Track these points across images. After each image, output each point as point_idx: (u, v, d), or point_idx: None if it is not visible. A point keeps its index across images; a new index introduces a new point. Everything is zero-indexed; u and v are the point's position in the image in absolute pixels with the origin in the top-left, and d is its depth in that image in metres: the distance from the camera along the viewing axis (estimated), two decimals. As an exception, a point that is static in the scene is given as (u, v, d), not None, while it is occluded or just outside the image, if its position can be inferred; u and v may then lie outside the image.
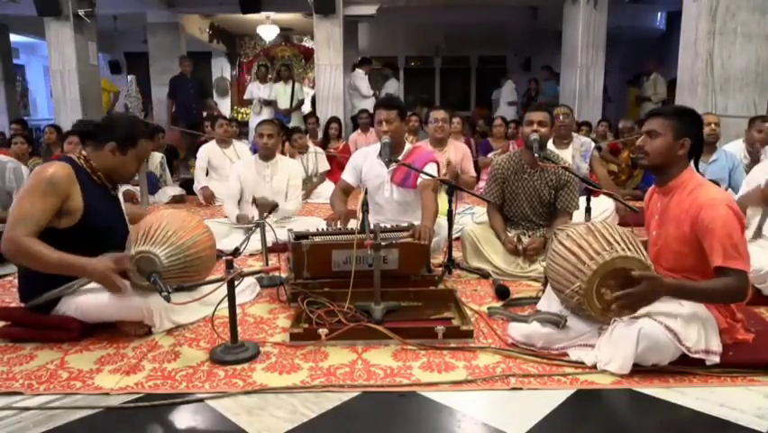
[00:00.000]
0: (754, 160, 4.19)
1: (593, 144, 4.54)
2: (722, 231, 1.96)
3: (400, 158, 3.33)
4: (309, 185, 5.81)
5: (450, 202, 3.08)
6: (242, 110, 13.59)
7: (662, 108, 2.29)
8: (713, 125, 4.25)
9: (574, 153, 4.32)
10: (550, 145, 4.15)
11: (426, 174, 3.16)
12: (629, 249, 2.03)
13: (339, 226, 3.05)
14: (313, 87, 11.42)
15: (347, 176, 3.55)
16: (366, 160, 3.52)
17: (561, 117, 4.27)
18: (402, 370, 2.04)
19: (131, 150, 2.36)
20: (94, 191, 2.32)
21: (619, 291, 1.96)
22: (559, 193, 3.23)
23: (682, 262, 2.12)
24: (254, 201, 3.79)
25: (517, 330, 2.24)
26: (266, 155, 4.11)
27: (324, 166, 6.23)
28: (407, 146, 3.46)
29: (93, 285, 2.30)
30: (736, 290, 1.98)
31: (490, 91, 11.75)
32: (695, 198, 2.06)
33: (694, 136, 2.14)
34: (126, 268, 2.23)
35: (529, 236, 3.24)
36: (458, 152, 4.47)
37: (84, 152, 2.37)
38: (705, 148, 2.70)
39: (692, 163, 2.19)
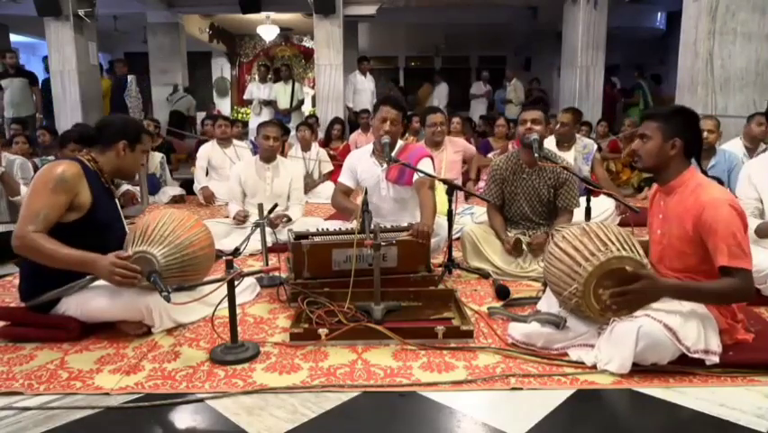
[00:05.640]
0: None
1: (595, 146, 4.53)
2: (726, 231, 1.95)
3: (393, 155, 3.32)
4: (310, 182, 5.83)
5: (450, 202, 3.08)
6: (242, 110, 13.60)
7: (655, 110, 2.29)
8: (706, 132, 4.15)
9: (576, 156, 4.31)
10: (552, 147, 4.15)
11: (423, 172, 3.16)
12: (624, 249, 2.02)
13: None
14: (313, 87, 11.44)
15: (345, 179, 3.54)
16: (360, 161, 3.51)
17: (560, 125, 4.28)
18: (402, 370, 2.04)
19: (137, 146, 2.48)
20: (100, 188, 2.38)
21: (616, 289, 1.96)
22: (558, 191, 3.23)
23: (686, 262, 2.12)
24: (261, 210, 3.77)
25: (517, 330, 2.24)
26: (267, 157, 4.09)
27: (328, 167, 6.20)
28: (399, 143, 3.45)
29: (93, 285, 2.30)
30: (741, 290, 1.97)
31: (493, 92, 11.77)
32: (697, 198, 2.06)
33: (686, 136, 2.12)
34: (127, 261, 2.20)
35: (530, 236, 3.24)
36: (456, 148, 4.50)
37: (91, 154, 2.42)
38: (702, 153, 2.67)
39: (694, 162, 2.18)
